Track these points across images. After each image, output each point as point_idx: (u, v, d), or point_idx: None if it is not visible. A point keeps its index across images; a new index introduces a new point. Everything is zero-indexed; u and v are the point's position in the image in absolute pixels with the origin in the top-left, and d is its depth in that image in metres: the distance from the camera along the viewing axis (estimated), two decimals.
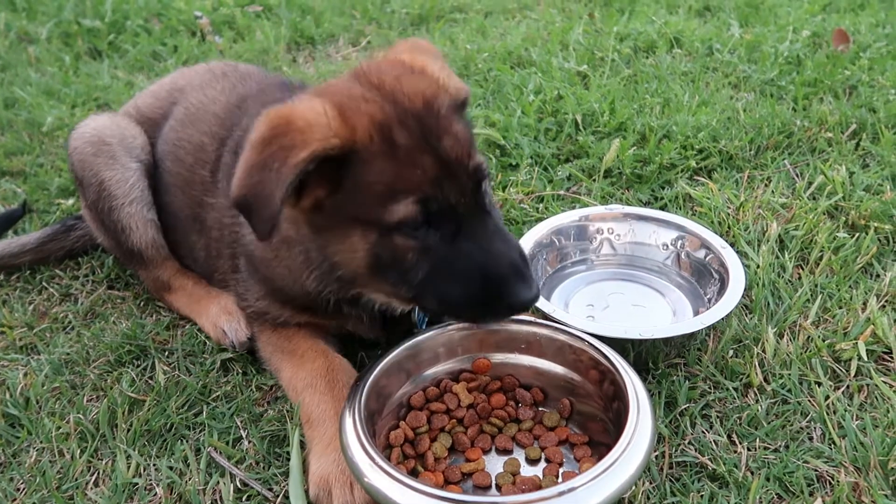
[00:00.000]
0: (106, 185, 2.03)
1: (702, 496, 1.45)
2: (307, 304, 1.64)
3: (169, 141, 2.05)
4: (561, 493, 1.21)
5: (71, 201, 2.61)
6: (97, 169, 2.04)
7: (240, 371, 1.85)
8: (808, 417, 1.61)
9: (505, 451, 1.55)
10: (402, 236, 1.33)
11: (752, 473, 1.49)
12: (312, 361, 1.68)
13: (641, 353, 1.74)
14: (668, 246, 2.05)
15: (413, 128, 1.31)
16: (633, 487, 1.45)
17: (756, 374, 1.70)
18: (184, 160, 1.97)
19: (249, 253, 1.70)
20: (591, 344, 1.58)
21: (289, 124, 1.25)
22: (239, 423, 1.70)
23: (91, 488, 1.58)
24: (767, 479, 1.48)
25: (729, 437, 1.59)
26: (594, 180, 2.49)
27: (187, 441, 1.66)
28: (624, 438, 1.29)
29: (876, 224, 2.15)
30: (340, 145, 1.26)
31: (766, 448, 1.55)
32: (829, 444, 1.55)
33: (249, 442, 1.65)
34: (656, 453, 1.55)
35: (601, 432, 1.54)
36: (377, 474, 1.27)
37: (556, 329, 1.63)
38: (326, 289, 1.55)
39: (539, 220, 2.20)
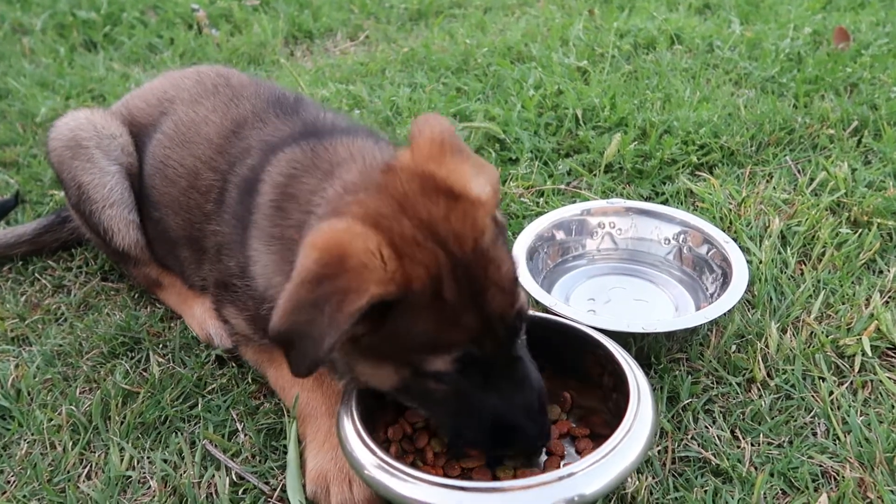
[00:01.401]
0: (84, 188, 1.99)
1: (705, 491, 1.43)
2: None
3: (157, 157, 1.98)
4: (560, 478, 1.19)
5: (63, 193, 2.57)
6: (75, 173, 2.00)
7: (235, 364, 1.82)
8: (812, 413, 1.60)
9: None
10: (435, 381, 1.30)
11: (756, 469, 1.47)
12: None
13: (643, 348, 1.72)
14: (669, 240, 2.03)
15: (462, 281, 1.22)
16: (637, 482, 1.42)
17: (759, 369, 1.68)
18: (175, 182, 1.91)
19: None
20: (592, 336, 1.56)
21: (342, 263, 1.14)
22: (235, 416, 1.67)
23: (83, 481, 1.55)
24: (771, 475, 1.46)
25: (732, 432, 1.57)
26: (595, 175, 2.46)
27: (182, 434, 1.63)
28: (624, 425, 1.28)
29: (879, 220, 2.13)
30: (396, 293, 1.17)
31: (769, 443, 1.53)
32: (834, 440, 1.53)
33: (245, 435, 1.62)
34: (659, 448, 1.53)
35: (602, 425, 1.52)
36: (377, 467, 1.24)
37: (557, 322, 1.61)
38: (344, 379, 1.50)
39: (539, 214, 2.18)
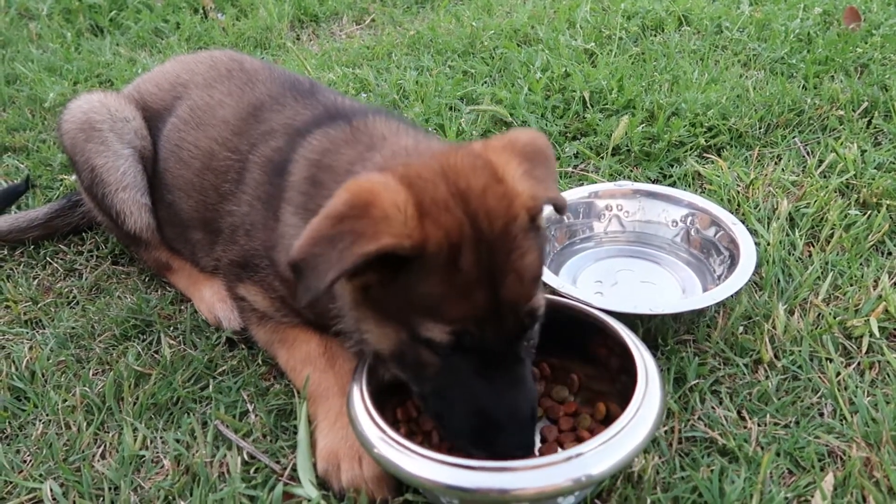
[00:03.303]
0: (98, 171, 2.00)
1: (712, 471, 1.44)
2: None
3: (172, 140, 1.99)
4: (568, 459, 1.20)
5: (74, 177, 2.58)
6: (88, 156, 2.01)
7: (246, 346, 1.84)
8: (818, 393, 1.60)
9: None
10: (429, 350, 1.29)
11: (763, 448, 1.49)
12: (307, 343, 1.67)
13: (650, 330, 1.73)
14: (677, 223, 2.03)
15: (482, 257, 1.22)
16: (644, 461, 1.44)
17: (766, 350, 1.69)
18: (189, 164, 1.92)
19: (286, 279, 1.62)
20: (599, 318, 1.56)
21: (367, 208, 1.18)
22: (245, 397, 1.69)
23: (98, 460, 1.57)
24: (778, 454, 1.47)
25: (739, 412, 1.58)
26: (602, 158, 2.46)
27: (194, 414, 1.65)
28: (633, 406, 1.29)
29: (888, 201, 2.12)
30: (410, 248, 1.19)
31: (776, 424, 1.54)
32: (841, 420, 1.54)
33: (256, 415, 1.64)
34: (666, 428, 1.54)
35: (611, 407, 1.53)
36: (387, 445, 1.26)
37: (565, 304, 1.62)
38: (352, 340, 1.50)
39: None
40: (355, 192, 1.21)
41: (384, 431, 1.29)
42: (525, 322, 1.28)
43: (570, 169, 2.43)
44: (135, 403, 1.68)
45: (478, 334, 1.24)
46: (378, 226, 1.17)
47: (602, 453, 1.22)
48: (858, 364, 1.67)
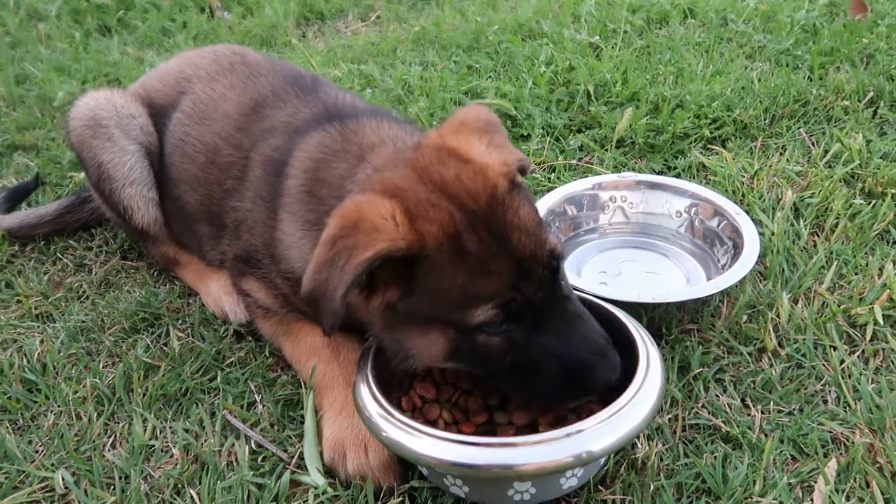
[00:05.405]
0: (104, 167, 2.04)
1: (715, 457, 1.45)
2: None
3: (176, 135, 2.02)
4: (568, 435, 1.22)
5: (83, 174, 2.61)
6: (95, 152, 2.04)
7: (253, 338, 1.86)
8: (822, 381, 1.61)
9: None
10: (484, 334, 1.32)
11: (766, 435, 1.49)
12: (311, 335, 1.69)
13: (654, 319, 1.73)
14: (681, 213, 2.03)
15: (482, 232, 1.28)
16: (647, 448, 1.45)
17: (770, 338, 1.69)
18: (194, 158, 1.95)
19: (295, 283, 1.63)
20: (602, 306, 1.57)
21: (356, 225, 1.24)
22: (253, 388, 1.71)
23: (109, 450, 1.60)
24: (781, 441, 1.47)
25: (742, 400, 1.58)
26: (606, 150, 2.47)
27: (202, 405, 1.67)
28: (633, 387, 1.30)
29: (893, 191, 2.12)
30: (406, 248, 1.24)
31: (779, 411, 1.55)
32: (844, 407, 1.54)
33: (264, 406, 1.66)
34: (669, 416, 1.55)
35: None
36: (395, 428, 1.28)
37: None
38: (398, 357, 1.47)
39: (551, 189, 2.18)
40: (343, 215, 1.28)
41: (391, 414, 1.31)
42: (552, 263, 1.33)
43: (574, 161, 2.44)
44: (144, 394, 1.71)
45: (518, 295, 1.29)
46: (370, 236, 1.23)
47: (602, 430, 1.24)
48: (863, 352, 1.67)
